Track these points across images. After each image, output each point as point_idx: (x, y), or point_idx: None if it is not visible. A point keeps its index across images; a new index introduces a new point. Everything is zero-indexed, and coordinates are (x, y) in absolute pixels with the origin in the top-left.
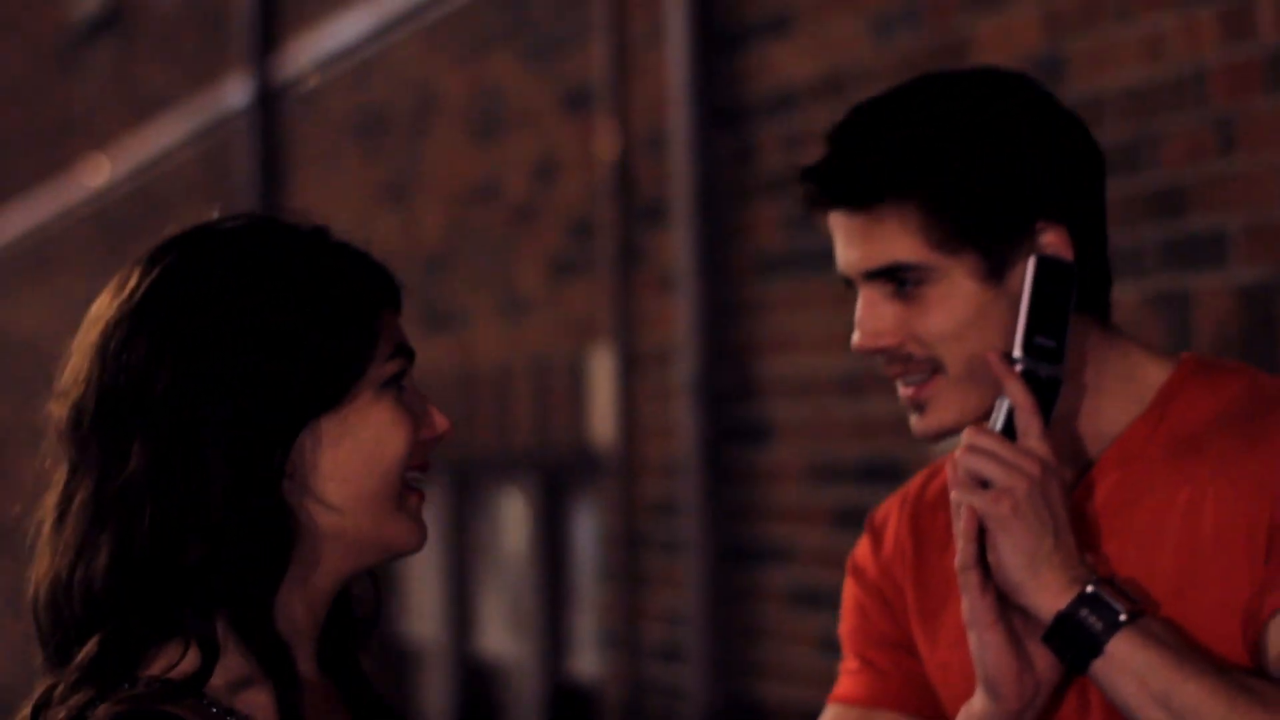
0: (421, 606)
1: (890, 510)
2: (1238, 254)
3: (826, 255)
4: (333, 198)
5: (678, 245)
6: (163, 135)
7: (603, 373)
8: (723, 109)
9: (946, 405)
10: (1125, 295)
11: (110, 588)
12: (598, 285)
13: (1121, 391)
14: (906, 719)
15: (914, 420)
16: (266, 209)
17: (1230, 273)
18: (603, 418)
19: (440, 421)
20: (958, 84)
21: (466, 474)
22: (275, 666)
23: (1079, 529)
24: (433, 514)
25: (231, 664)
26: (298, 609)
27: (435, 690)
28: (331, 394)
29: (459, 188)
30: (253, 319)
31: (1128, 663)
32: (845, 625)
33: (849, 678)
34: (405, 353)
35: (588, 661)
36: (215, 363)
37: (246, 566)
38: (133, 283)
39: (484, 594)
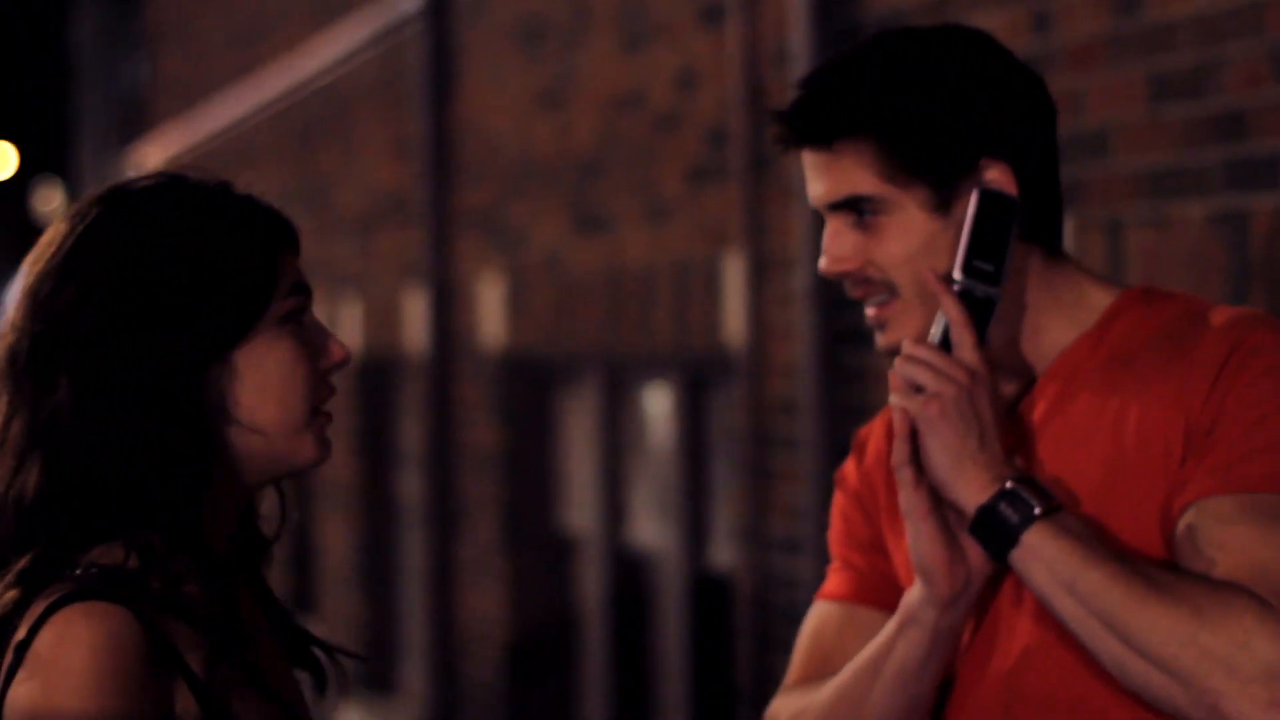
0: (577, 498)
1: (874, 427)
2: None
3: None
4: (495, 102)
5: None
6: (344, 38)
7: (734, 277)
8: (842, 29)
9: (902, 324)
10: (1190, 213)
11: (39, 504)
12: (731, 193)
13: (1067, 314)
14: (882, 613)
15: (877, 337)
16: (436, 111)
17: None
18: (734, 320)
19: (338, 351)
20: (916, 38)
21: (615, 371)
22: (205, 563)
23: (1019, 435)
24: (585, 409)
25: (163, 566)
26: (212, 519)
27: (589, 578)
28: (237, 330)
29: (609, 96)
30: (165, 266)
31: (1039, 552)
32: (831, 531)
33: (833, 577)
34: (303, 290)
35: (724, 552)
36: (133, 305)
37: (168, 483)
38: (60, 237)
39: (634, 486)
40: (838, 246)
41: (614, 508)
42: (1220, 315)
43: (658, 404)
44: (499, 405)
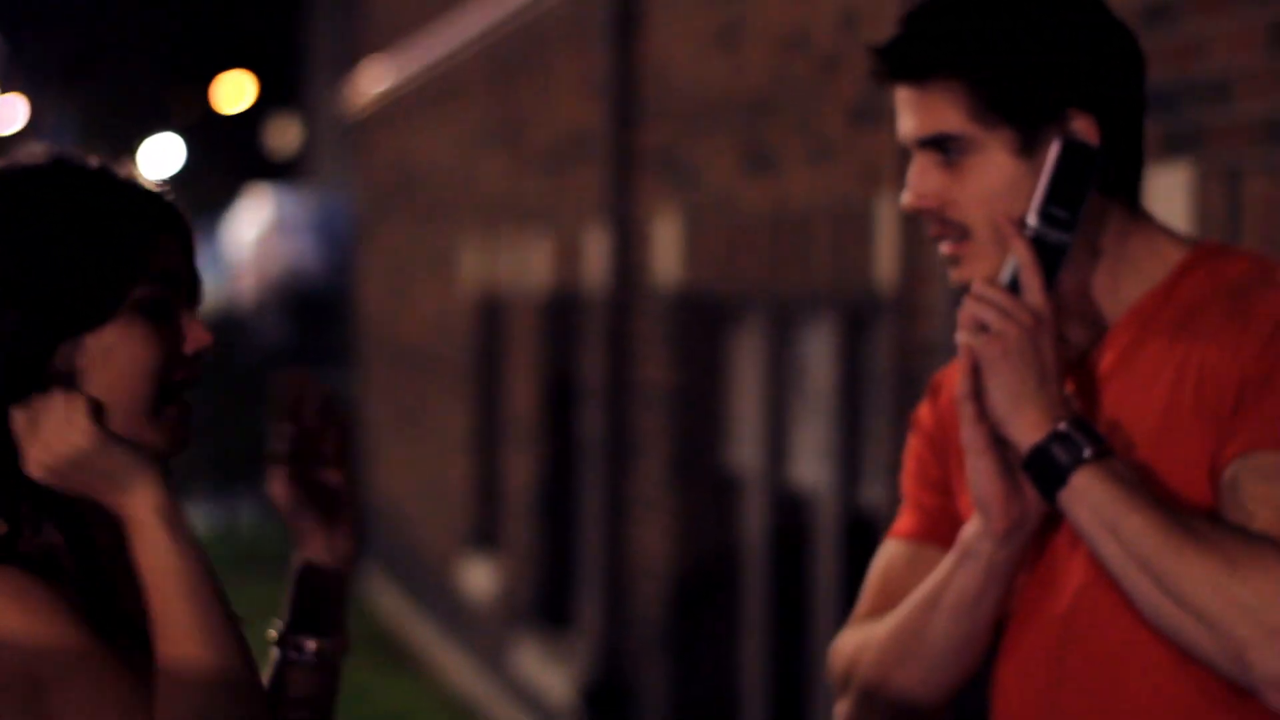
0: (742, 436)
1: (949, 372)
2: None
3: None
4: (675, 42)
5: None
6: None
7: (888, 219)
8: None
9: (975, 263)
10: None
11: None
12: (886, 135)
13: (1140, 268)
14: (947, 553)
15: (950, 271)
16: (620, 50)
17: None
18: (886, 262)
19: (198, 338)
20: None
21: (778, 311)
22: (67, 525)
23: (1086, 381)
24: (751, 347)
25: (43, 538)
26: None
27: (752, 515)
28: (93, 314)
29: (779, 36)
30: (27, 247)
31: (1086, 494)
32: (904, 472)
33: (904, 516)
34: (171, 277)
35: (875, 491)
36: None
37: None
38: None
39: (794, 426)
40: (922, 183)
41: (776, 446)
42: None
43: (817, 345)
44: (672, 343)
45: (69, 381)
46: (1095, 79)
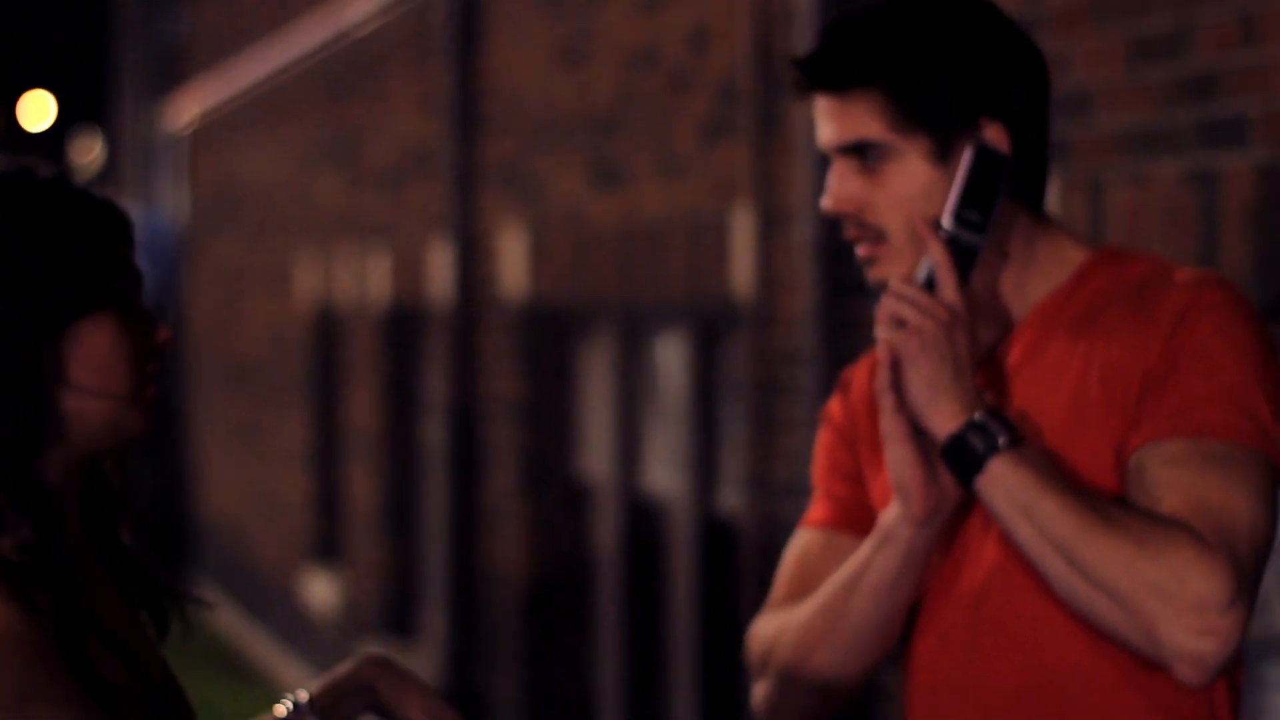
0: (593, 446)
1: (858, 369)
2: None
3: None
4: (518, 59)
5: (802, 113)
6: None
7: (743, 230)
8: None
9: (890, 264)
10: (1164, 171)
11: None
12: (740, 149)
13: (1045, 269)
14: (860, 540)
15: (867, 272)
16: (461, 67)
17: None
18: (742, 272)
19: (162, 332)
20: (930, 2)
21: (630, 322)
22: (35, 515)
23: (995, 375)
24: (602, 358)
25: (22, 532)
26: (56, 477)
27: (605, 523)
28: (66, 311)
29: (625, 52)
30: (5, 253)
31: (1001, 480)
32: (815, 465)
33: (816, 506)
34: (132, 276)
35: (731, 497)
36: None
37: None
38: None
39: (647, 434)
40: (841, 188)
41: (628, 455)
42: (1182, 274)
43: (670, 355)
44: (520, 355)
45: (55, 374)
46: (1006, 90)
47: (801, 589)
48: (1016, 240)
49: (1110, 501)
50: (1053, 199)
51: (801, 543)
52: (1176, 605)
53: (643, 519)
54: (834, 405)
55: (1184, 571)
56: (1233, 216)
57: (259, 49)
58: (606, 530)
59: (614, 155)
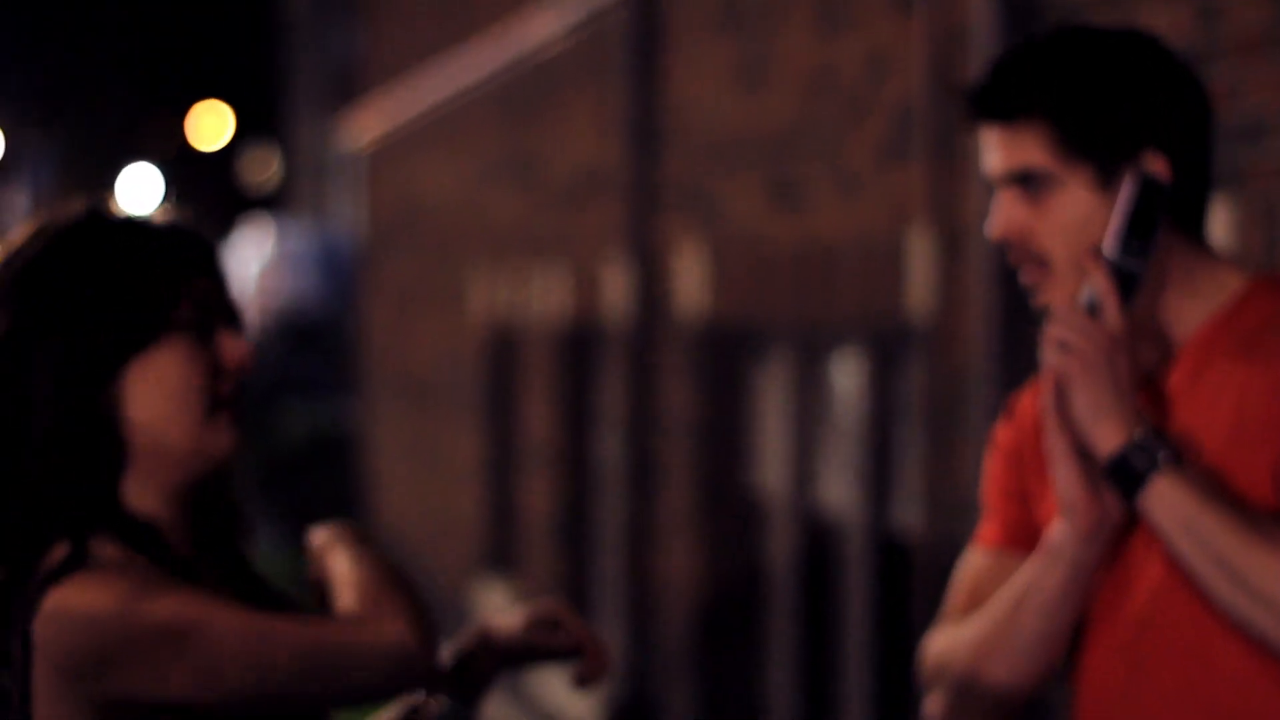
0: (769, 462)
1: (1027, 393)
2: None
3: None
4: (697, 80)
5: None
6: (552, 18)
7: (919, 251)
8: (1022, 18)
9: (1053, 289)
10: None
11: None
12: (915, 171)
13: (1206, 294)
14: (1028, 558)
15: (1031, 297)
16: (641, 87)
17: None
18: (918, 292)
19: (236, 349)
20: (1098, 35)
21: (806, 342)
22: (138, 541)
23: (1156, 397)
24: (777, 376)
25: (114, 553)
26: (152, 505)
27: (779, 540)
28: (137, 342)
29: (804, 76)
30: (76, 294)
31: (1163, 497)
32: (985, 486)
33: (986, 526)
34: (204, 301)
35: (907, 515)
36: (48, 321)
37: (76, 475)
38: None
39: (824, 451)
40: (1007, 216)
41: (803, 472)
42: None
43: (845, 374)
44: (696, 372)
45: (130, 404)
46: (1168, 121)
47: (972, 605)
48: (1177, 267)
49: (1270, 518)
50: (1228, 227)
51: (973, 561)
52: None
53: (817, 536)
54: (1002, 429)
55: None
56: None
57: (435, 68)
58: (781, 547)
59: (791, 176)
